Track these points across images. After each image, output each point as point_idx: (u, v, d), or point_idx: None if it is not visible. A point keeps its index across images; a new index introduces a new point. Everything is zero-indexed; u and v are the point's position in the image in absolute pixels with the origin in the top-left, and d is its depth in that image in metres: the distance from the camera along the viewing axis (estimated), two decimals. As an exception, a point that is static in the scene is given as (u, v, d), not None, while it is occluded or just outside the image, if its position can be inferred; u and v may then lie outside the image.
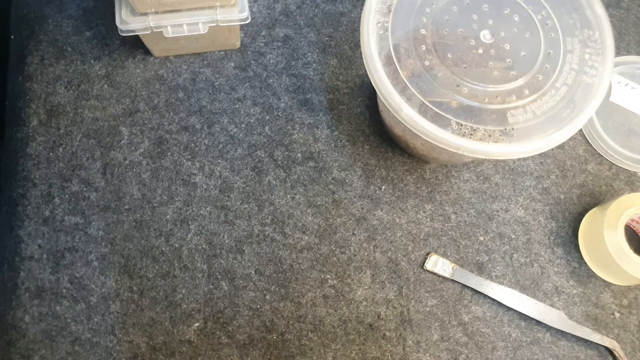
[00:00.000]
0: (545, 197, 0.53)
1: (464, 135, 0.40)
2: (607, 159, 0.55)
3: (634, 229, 0.52)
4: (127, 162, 0.51)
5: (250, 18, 0.48)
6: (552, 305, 0.49)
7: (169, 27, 0.47)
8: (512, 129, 0.40)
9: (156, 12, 0.47)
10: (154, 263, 0.48)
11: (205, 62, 0.55)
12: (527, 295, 0.49)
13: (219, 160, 0.52)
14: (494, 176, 0.53)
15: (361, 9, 0.58)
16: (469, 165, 0.54)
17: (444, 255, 0.50)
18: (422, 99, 0.41)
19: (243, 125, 0.53)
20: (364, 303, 0.48)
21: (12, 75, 0.54)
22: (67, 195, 0.50)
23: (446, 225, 0.51)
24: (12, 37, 0.56)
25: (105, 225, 0.49)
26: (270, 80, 0.55)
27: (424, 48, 0.42)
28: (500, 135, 0.40)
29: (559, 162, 0.54)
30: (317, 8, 0.58)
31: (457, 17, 0.43)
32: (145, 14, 0.47)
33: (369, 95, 0.55)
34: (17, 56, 0.54)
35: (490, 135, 0.40)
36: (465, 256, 0.50)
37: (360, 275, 0.49)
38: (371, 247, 0.50)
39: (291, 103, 0.54)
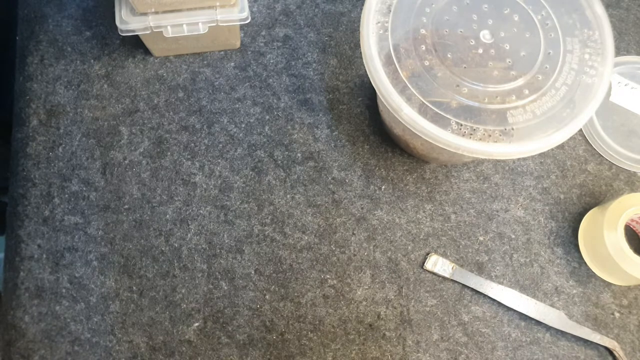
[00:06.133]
0: (545, 197, 0.53)
1: (463, 135, 0.40)
2: (607, 159, 0.55)
3: (634, 229, 0.52)
4: (126, 161, 0.51)
5: (250, 18, 0.48)
6: (552, 305, 0.49)
7: (168, 27, 0.47)
8: (512, 129, 0.40)
9: (156, 12, 0.47)
10: (154, 263, 0.48)
11: (205, 62, 0.55)
12: (527, 295, 0.49)
13: (219, 160, 0.52)
14: (494, 176, 0.53)
15: (361, 9, 0.58)
16: (468, 165, 0.53)
17: (444, 255, 0.50)
18: (422, 99, 0.41)
19: (243, 125, 0.53)
20: (364, 303, 0.48)
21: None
22: (66, 195, 0.50)
23: (446, 225, 0.51)
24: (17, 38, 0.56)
25: (105, 225, 0.49)
26: (270, 80, 0.55)
27: (423, 48, 0.42)
28: (500, 135, 0.40)
29: (559, 162, 0.54)
30: (317, 8, 0.58)
31: (457, 17, 0.43)
32: (145, 13, 0.47)
33: (369, 95, 0.55)
34: (17, 56, 0.54)
35: (490, 135, 0.40)
36: (465, 256, 0.50)
37: (360, 275, 0.49)
38: (371, 247, 0.50)
39: (291, 103, 0.54)
